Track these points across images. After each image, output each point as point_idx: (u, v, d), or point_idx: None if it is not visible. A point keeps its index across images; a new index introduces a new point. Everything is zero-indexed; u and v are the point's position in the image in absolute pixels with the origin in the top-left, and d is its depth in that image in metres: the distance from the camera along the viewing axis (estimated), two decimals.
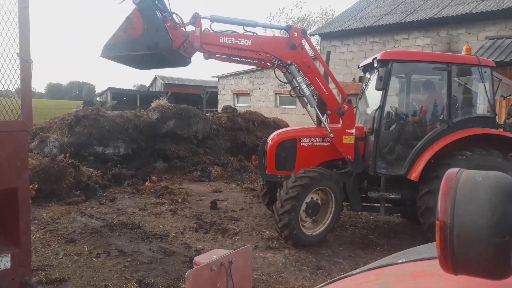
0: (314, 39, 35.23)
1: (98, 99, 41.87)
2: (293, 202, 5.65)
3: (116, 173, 10.14)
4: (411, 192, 6.14)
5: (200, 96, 36.17)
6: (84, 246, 5.65)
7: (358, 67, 7.04)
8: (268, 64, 6.45)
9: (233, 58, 6.28)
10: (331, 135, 6.23)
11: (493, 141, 5.97)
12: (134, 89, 63.06)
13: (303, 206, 5.83)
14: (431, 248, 1.18)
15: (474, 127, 5.93)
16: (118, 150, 11.48)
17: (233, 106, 17.31)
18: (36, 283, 4.29)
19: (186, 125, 12.67)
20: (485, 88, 6.10)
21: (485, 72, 6.11)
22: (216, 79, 25.36)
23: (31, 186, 6.98)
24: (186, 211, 7.62)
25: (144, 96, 35.87)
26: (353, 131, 6.24)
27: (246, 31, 6.05)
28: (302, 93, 6.25)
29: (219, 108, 21.42)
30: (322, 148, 6.44)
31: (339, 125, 6.34)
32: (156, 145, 12.12)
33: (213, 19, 5.90)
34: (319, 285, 1.24)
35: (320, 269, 5.14)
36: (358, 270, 1.28)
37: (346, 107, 6.24)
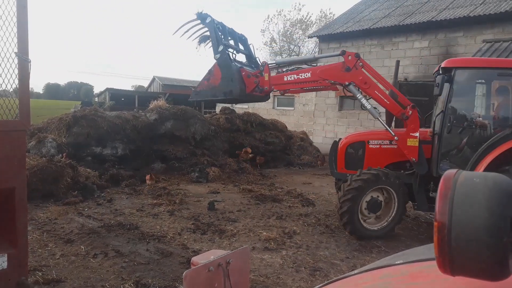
0: (313, 41, 35.38)
1: (96, 99, 41.82)
2: (349, 204, 6.26)
3: (113, 173, 10.12)
4: None
5: None
6: (81, 247, 5.64)
7: (433, 74, 7.20)
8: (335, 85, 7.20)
9: (302, 89, 7.31)
10: (395, 138, 6.65)
11: None
12: (132, 89, 62.98)
13: (364, 204, 6.41)
14: (429, 250, 1.19)
15: None
16: (116, 150, 11.45)
17: (231, 108, 17.31)
18: (32, 283, 4.27)
19: (184, 126, 12.66)
20: None
21: None
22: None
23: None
24: (183, 212, 7.61)
25: (143, 97, 35.81)
26: (417, 134, 6.56)
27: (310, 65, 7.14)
28: (363, 108, 6.97)
29: (217, 109, 21.40)
30: (390, 150, 6.91)
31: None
32: (154, 146, 12.10)
33: (278, 63, 7.35)
34: (317, 287, 1.24)
35: (318, 271, 5.14)
36: (355, 271, 1.28)
37: (410, 112, 6.59)
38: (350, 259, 5.63)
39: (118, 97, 36.46)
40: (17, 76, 2.98)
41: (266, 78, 7.00)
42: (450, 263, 0.82)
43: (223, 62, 6.91)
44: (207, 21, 7.06)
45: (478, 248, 0.79)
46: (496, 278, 0.80)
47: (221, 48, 6.95)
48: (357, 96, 6.86)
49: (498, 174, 0.85)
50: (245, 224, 7.01)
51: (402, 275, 1.14)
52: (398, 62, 7.69)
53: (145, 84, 52.59)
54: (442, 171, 6.35)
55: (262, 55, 47.70)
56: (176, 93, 37.06)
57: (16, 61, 2.97)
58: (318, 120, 17.89)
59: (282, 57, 39.94)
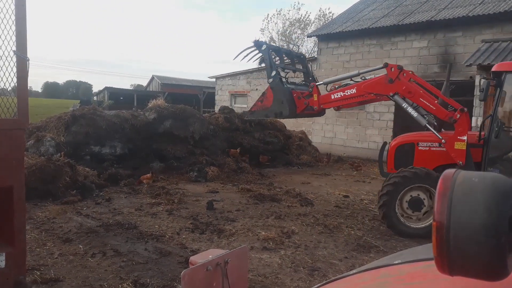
0: (312, 40, 35.36)
1: (95, 98, 41.80)
2: (385, 198, 6.64)
3: (112, 173, 10.11)
4: None
5: (197, 96, 36.16)
6: (80, 246, 5.63)
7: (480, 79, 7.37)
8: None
9: (351, 103, 7.77)
10: (443, 141, 6.75)
11: None
12: (131, 88, 62.94)
13: (405, 202, 6.71)
14: (427, 250, 1.18)
15: None
16: (115, 149, 11.44)
17: (230, 107, 17.30)
18: (30, 282, 4.27)
19: (183, 125, 12.65)
20: None
21: None
22: (214, 80, 25.32)
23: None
24: (182, 212, 7.61)
25: (141, 96, 35.82)
26: (464, 137, 6.61)
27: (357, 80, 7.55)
28: (411, 116, 7.07)
29: (216, 108, 21.39)
30: (439, 152, 6.96)
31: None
32: (152, 145, 12.09)
33: (326, 83, 7.89)
34: (315, 286, 1.24)
35: (316, 271, 5.14)
36: (354, 271, 1.28)
37: (458, 115, 6.67)
38: (349, 259, 5.63)
39: (117, 96, 36.45)
40: (16, 74, 2.97)
41: (315, 99, 7.60)
42: (449, 263, 0.82)
43: (275, 86, 7.67)
44: (263, 48, 7.80)
45: (476, 248, 0.78)
46: (494, 278, 0.80)
47: (273, 73, 7.68)
48: (403, 105, 7.03)
49: (496, 174, 0.85)
50: (244, 224, 7.01)
51: (400, 275, 1.14)
52: (450, 65, 7.78)
53: (144, 83, 52.58)
54: None
55: None
56: (175, 92, 37.05)
57: (14, 59, 2.96)
58: (317, 120, 17.87)
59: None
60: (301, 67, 9.02)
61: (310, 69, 8.99)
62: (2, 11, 2.87)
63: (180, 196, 8.68)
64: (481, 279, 0.81)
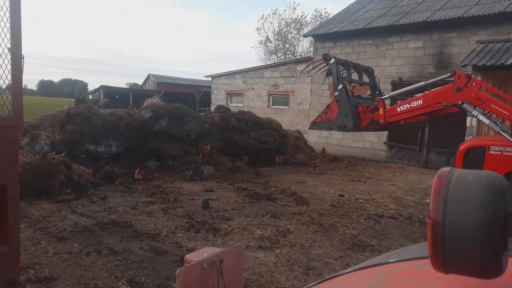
0: (308, 40, 35.36)
1: (90, 97, 41.62)
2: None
3: (107, 171, 10.06)
4: None
5: (193, 95, 36.10)
6: (75, 245, 5.61)
7: None
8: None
9: (416, 116, 7.63)
10: None
11: None
12: (127, 87, 62.70)
13: None
14: (422, 248, 1.19)
15: None
16: (110, 148, 11.40)
17: (226, 106, 17.28)
18: (25, 281, 4.24)
19: (179, 124, 12.62)
20: None
21: None
22: (210, 79, 25.29)
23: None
24: (177, 210, 7.59)
25: (137, 94, 35.68)
26: None
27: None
28: (483, 123, 7.01)
29: (212, 107, 21.36)
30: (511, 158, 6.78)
31: None
32: (148, 143, 12.05)
33: (392, 96, 8.13)
34: (310, 285, 1.24)
35: (311, 269, 5.15)
36: (349, 270, 1.28)
37: None
38: (344, 257, 5.65)
39: (112, 95, 36.31)
40: (10, 72, 2.95)
41: (381, 113, 7.64)
42: (444, 261, 0.82)
43: (341, 99, 7.83)
44: (331, 62, 7.98)
45: (471, 246, 0.79)
46: (489, 276, 0.80)
47: (340, 86, 7.82)
48: (473, 113, 6.89)
49: (491, 172, 0.86)
50: (239, 223, 7.01)
51: (395, 273, 1.14)
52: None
53: (140, 81, 52.39)
54: None
55: (258, 54, 47.64)
56: (171, 91, 36.94)
57: (9, 56, 2.94)
58: (313, 119, 17.89)
59: (277, 55, 39.99)
60: (368, 81, 9.09)
61: (377, 82, 9.03)
62: None
63: (175, 195, 8.67)
64: (476, 277, 0.81)
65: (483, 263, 0.79)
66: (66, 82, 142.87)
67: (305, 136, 17.64)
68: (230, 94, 23.49)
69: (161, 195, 8.60)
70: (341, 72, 8.20)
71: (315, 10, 68.76)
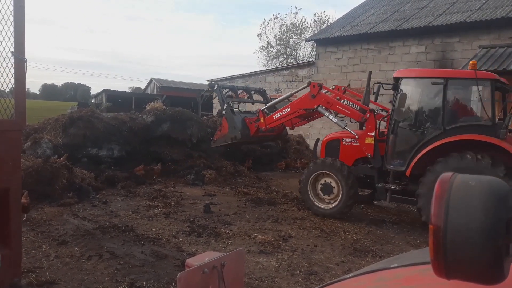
0: (310, 45, 35.41)
1: (93, 100, 41.72)
2: (302, 183, 8.20)
3: (109, 175, 10.07)
4: (415, 185, 7.10)
5: (195, 100, 36.14)
6: (76, 248, 5.60)
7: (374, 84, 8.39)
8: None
9: (289, 121, 9.29)
10: (356, 137, 7.92)
11: (487, 146, 6.46)
12: (129, 91, 62.86)
13: (319, 186, 8.04)
14: (424, 253, 1.18)
15: (469, 133, 6.63)
16: (112, 152, 11.41)
17: None
18: (26, 285, 4.24)
19: (181, 129, 12.63)
20: (482, 99, 6.74)
21: (483, 85, 6.79)
22: (212, 83, 25.33)
23: (24, 195, 6.32)
24: (179, 215, 7.58)
25: (139, 98, 35.77)
26: (372, 134, 7.68)
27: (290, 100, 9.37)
28: (332, 121, 8.45)
29: (214, 111, 21.38)
30: (358, 147, 7.98)
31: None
32: (150, 148, 12.06)
33: (268, 107, 9.66)
34: None
35: (313, 274, 5.13)
36: (350, 275, 1.28)
37: (368, 115, 7.79)
38: (345, 263, 5.63)
39: (115, 99, 36.39)
40: (13, 76, 2.96)
41: (262, 121, 9.17)
42: (445, 266, 0.82)
43: (228, 116, 9.58)
44: (215, 88, 10.22)
45: (473, 251, 0.78)
46: (491, 281, 0.80)
47: (225, 106, 9.71)
48: (325, 114, 8.42)
49: (493, 177, 0.85)
50: (241, 227, 7.00)
51: (397, 279, 1.14)
52: (370, 72, 8.93)
53: (142, 85, 52.61)
54: (389, 165, 7.48)
55: (259, 59, 47.72)
56: (173, 95, 37.01)
57: (12, 60, 2.95)
58: (315, 124, 17.87)
59: (279, 60, 40.03)
60: (262, 99, 11.59)
61: (269, 99, 11.14)
62: (0, 12, 2.86)
63: (177, 199, 8.66)
64: (478, 282, 0.81)
65: (485, 269, 0.78)
66: (69, 86, 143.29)
67: (307, 141, 17.64)
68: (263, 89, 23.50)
69: (162, 199, 8.60)
70: (234, 95, 10.75)
71: (315, 14, 68.93)
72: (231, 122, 9.52)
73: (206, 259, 1.81)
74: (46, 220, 6.85)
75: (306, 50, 39.57)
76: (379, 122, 8.15)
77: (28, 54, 3.04)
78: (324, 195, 7.95)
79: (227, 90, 11.13)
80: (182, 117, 12.90)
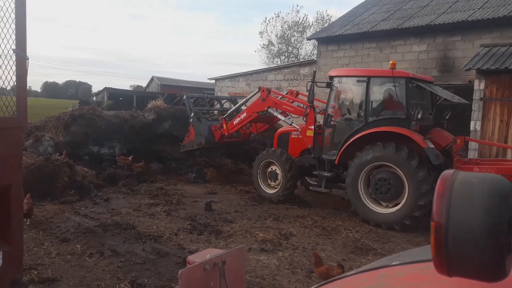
0: (311, 43, 35.33)
1: (94, 98, 41.63)
2: (253, 172, 9.32)
3: (111, 173, 10.09)
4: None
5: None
6: (77, 246, 5.62)
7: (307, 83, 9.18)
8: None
9: (251, 123, 10.39)
10: (299, 129, 8.92)
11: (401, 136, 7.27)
12: (130, 89, 62.84)
13: (267, 174, 9.05)
14: (425, 251, 1.18)
15: (388, 126, 7.48)
16: (114, 150, 11.43)
17: (229, 108, 17.25)
18: (27, 282, 4.25)
19: (182, 127, 12.60)
20: (397, 95, 7.52)
21: (399, 82, 7.49)
22: (213, 81, 25.32)
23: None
24: (180, 212, 7.59)
25: (141, 96, 35.70)
26: (312, 127, 8.62)
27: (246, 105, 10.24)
28: (280, 119, 9.64)
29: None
30: (302, 139, 8.88)
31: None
32: (151, 146, 12.07)
33: (228, 114, 10.36)
34: (312, 287, 1.24)
35: (314, 272, 5.13)
36: (351, 272, 1.28)
37: (308, 110, 8.71)
38: (346, 261, 5.63)
39: (116, 97, 36.30)
40: (15, 73, 2.96)
41: (225, 127, 10.13)
42: (447, 263, 0.82)
43: (195, 124, 10.61)
44: (184, 98, 11.40)
45: (475, 249, 0.78)
46: (492, 279, 0.80)
47: (192, 114, 10.72)
48: (275, 114, 9.41)
49: (495, 175, 0.85)
50: (242, 225, 7.00)
51: (398, 276, 1.14)
52: (314, 72, 9.63)
53: (144, 84, 52.59)
54: (324, 155, 8.36)
55: (261, 57, 47.62)
56: (174, 94, 36.96)
57: (14, 58, 2.95)
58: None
59: (280, 59, 39.96)
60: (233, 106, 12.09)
61: (231, 107, 11.86)
62: (2, 9, 2.86)
63: (178, 197, 8.67)
64: (480, 280, 0.81)
65: (487, 266, 0.78)
66: (70, 84, 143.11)
67: None
68: (234, 97, 23.49)
69: (164, 197, 8.61)
70: (204, 102, 12.52)
71: (317, 13, 68.82)
72: (197, 129, 10.50)
73: (207, 256, 1.81)
74: (47, 217, 6.87)
75: (307, 49, 39.49)
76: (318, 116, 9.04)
77: (30, 52, 3.04)
78: (270, 181, 8.98)
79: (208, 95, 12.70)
80: (184, 115, 12.88)
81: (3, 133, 2.95)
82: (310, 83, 8.55)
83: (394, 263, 1.21)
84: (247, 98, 10.37)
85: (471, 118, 11.64)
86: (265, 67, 27.54)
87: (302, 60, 29.41)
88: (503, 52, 11.57)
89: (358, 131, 7.66)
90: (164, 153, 12.06)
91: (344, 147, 7.77)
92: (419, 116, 7.20)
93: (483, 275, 0.80)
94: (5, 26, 2.87)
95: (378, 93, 8.31)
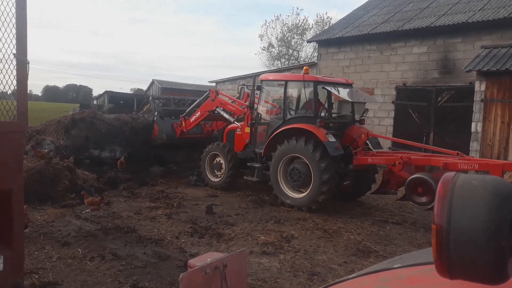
0: (311, 46, 35.33)
1: (95, 102, 41.70)
2: (202, 163, 10.48)
3: (111, 176, 10.08)
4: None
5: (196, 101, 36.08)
6: (78, 250, 5.61)
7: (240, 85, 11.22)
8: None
9: (206, 121, 12.07)
10: (239, 126, 10.00)
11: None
12: (131, 92, 62.87)
13: (213, 165, 10.25)
14: (427, 254, 1.18)
15: (300, 123, 8.51)
16: (114, 153, 11.43)
17: None
18: (28, 286, 4.25)
19: None
20: (306, 96, 8.86)
21: (308, 85, 8.73)
22: (213, 84, 25.37)
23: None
24: (181, 216, 7.59)
25: (141, 100, 35.74)
26: (248, 125, 9.66)
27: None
28: (226, 117, 10.67)
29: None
30: (245, 135, 9.81)
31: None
32: (152, 149, 12.08)
33: (186, 113, 11.54)
34: None
35: (315, 275, 5.13)
36: (353, 275, 1.27)
37: (246, 110, 9.85)
38: (348, 263, 5.62)
39: (117, 100, 36.34)
40: (15, 77, 2.97)
41: (184, 124, 11.42)
42: (449, 266, 0.81)
43: (158, 121, 11.95)
44: (149, 99, 13.32)
45: (476, 252, 0.78)
46: (494, 282, 0.80)
47: (156, 113, 12.16)
48: (221, 113, 10.59)
49: (496, 177, 0.85)
50: (243, 228, 6.99)
51: (400, 279, 1.13)
52: (254, 77, 10.32)
53: (144, 87, 52.68)
54: (256, 149, 9.44)
55: (261, 60, 47.63)
56: (175, 96, 36.95)
57: (14, 62, 2.96)
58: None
59: (281, 61, 40.00)
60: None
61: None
62: (2, 14, 2.87)
63: (179, 200, 8.67)
64: (481, 283, 0.80)
65: (489, 269, 0.78)
66: (71, 87, 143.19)
67: None
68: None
69: (164, 200, 8.60)
70: (168, 101, 13.44)
71: (317, 15, 68.86)
72: (160, 127, 11.77)
73: (209, 259, 1.81)
74: (48, 221, 6.87)
75: (308, 51, 39.50)
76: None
77: (31, 57, 3.05)
78: (216, 171, 10.15)
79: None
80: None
81: (4, 137, 2.96)
82: (240, 86, 10.72)
83: (396, 266, 1.20)
84: (200, 99, 11.65)
85: (472, 120, 11.65)
86: (266, 69, 27.56)
87: (302, 62, 29.41)
88: (504, 53, 11.58)
89: (278, 128, 8.92)
90: (165, 156, 12.08)
91: (267, 141, 9.01)
92: (322, 114, 8.41)
93: (485, 278, 0.80)
94: (5, 30, 2.88)
95: (294, 94, 9.71)
